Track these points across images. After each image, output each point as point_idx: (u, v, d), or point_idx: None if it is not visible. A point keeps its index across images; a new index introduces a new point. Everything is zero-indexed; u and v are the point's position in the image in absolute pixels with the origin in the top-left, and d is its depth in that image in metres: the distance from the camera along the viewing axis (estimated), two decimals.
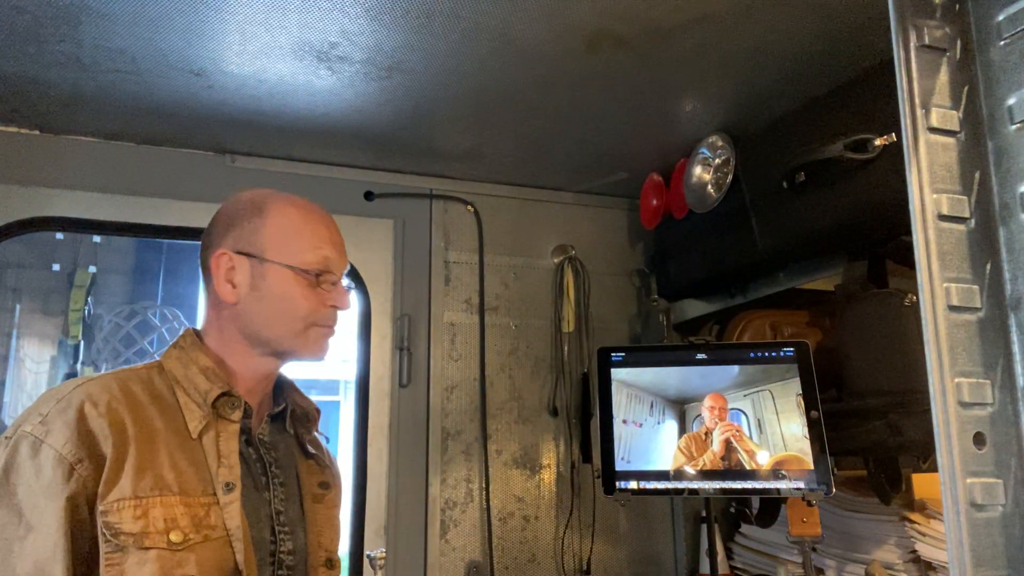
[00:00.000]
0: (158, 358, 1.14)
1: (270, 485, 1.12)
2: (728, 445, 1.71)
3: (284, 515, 1.13)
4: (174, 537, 0.96)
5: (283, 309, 1.11)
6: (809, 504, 1.69)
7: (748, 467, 1.68)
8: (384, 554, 1.44)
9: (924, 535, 1.70)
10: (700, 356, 1.80)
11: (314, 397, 1.26)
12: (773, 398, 1.71)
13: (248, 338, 1.12)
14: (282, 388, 1.23)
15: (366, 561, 1.40)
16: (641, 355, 1.87)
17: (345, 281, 1.21)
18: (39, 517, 0.92)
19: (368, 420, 2.05)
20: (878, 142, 1.41)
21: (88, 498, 0.95)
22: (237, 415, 1.08)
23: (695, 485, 1.71)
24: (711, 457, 1.71)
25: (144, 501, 0.96)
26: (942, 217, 0.74)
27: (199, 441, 1.04)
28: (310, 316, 1.12)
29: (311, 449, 1.23)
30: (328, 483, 1.23)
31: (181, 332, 1.17)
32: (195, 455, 1.03)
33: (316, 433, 1.26)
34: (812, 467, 1.63)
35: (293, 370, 1.23)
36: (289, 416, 1.21)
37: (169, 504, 0.98)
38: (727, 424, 1.72)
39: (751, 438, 1.70)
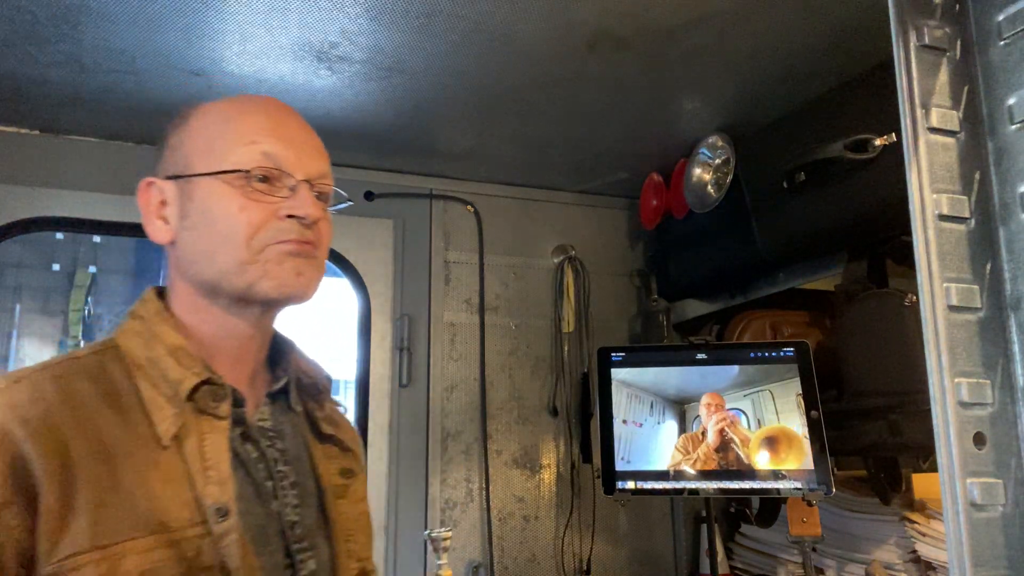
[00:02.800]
0: (114, 333, 0.87)
1: (277, 490, 0.87)
2: (723, 435, 1.71)
3: (300, 526, 0.87)
4: None
5: (218, 232, 0.84)
6: (809, 504, 1.69)
7: (742, 454, 1.68)
8: (449, 533, 1.38)
9: (924, 535, 1.70)
10: (700, 356, 1.80)
11: None
12: (773, 398, 1.71)
13: (199, 288, 0.87)
14: (281, 353, 0.96)
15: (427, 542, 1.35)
16: (641, 355, 1.87)
17: (343, 203, 0.94)
18: None
19: (368, 420, 2.04)
20: (878, 142, 1.41)
21: (20, 557, 0.69)
22: (225, 408, 0.83)
23: (695, 485, 1.71)
24: (705, 450, 1.71)
25: (111, 551, 0.71)
26: (942, 217, 0.74)
27: (176, 450, 0.78)
28: (257, 234, 0.83)
29: (327, 429, 0.97)
30: (351, 469, 0.98)
31: (141, 295, 0.90)
32: (172, 470, 0.77)
33: (332, 404, 1.01)
34: (812, 467, 1.63)
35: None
36: (295, 390, 0.95)
37: (146, 549, 0.72)
38: (721, 414, 1.72)
39: (747, 427, 1.70)
